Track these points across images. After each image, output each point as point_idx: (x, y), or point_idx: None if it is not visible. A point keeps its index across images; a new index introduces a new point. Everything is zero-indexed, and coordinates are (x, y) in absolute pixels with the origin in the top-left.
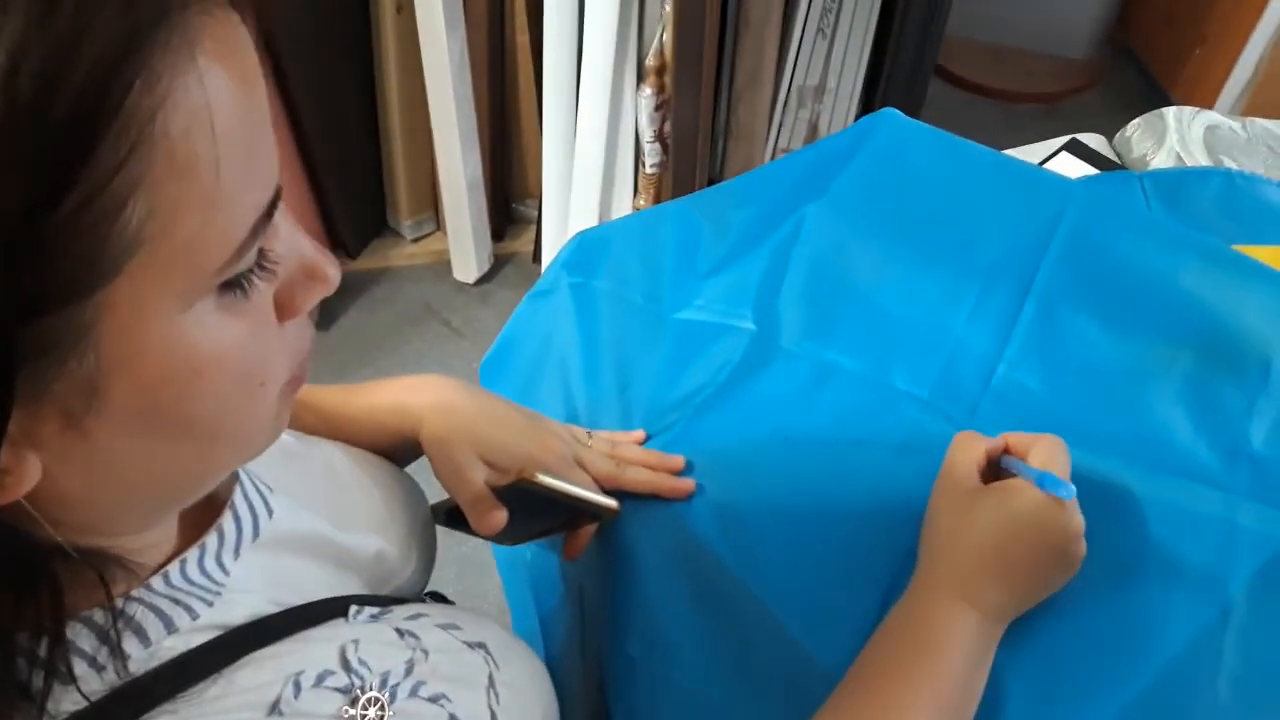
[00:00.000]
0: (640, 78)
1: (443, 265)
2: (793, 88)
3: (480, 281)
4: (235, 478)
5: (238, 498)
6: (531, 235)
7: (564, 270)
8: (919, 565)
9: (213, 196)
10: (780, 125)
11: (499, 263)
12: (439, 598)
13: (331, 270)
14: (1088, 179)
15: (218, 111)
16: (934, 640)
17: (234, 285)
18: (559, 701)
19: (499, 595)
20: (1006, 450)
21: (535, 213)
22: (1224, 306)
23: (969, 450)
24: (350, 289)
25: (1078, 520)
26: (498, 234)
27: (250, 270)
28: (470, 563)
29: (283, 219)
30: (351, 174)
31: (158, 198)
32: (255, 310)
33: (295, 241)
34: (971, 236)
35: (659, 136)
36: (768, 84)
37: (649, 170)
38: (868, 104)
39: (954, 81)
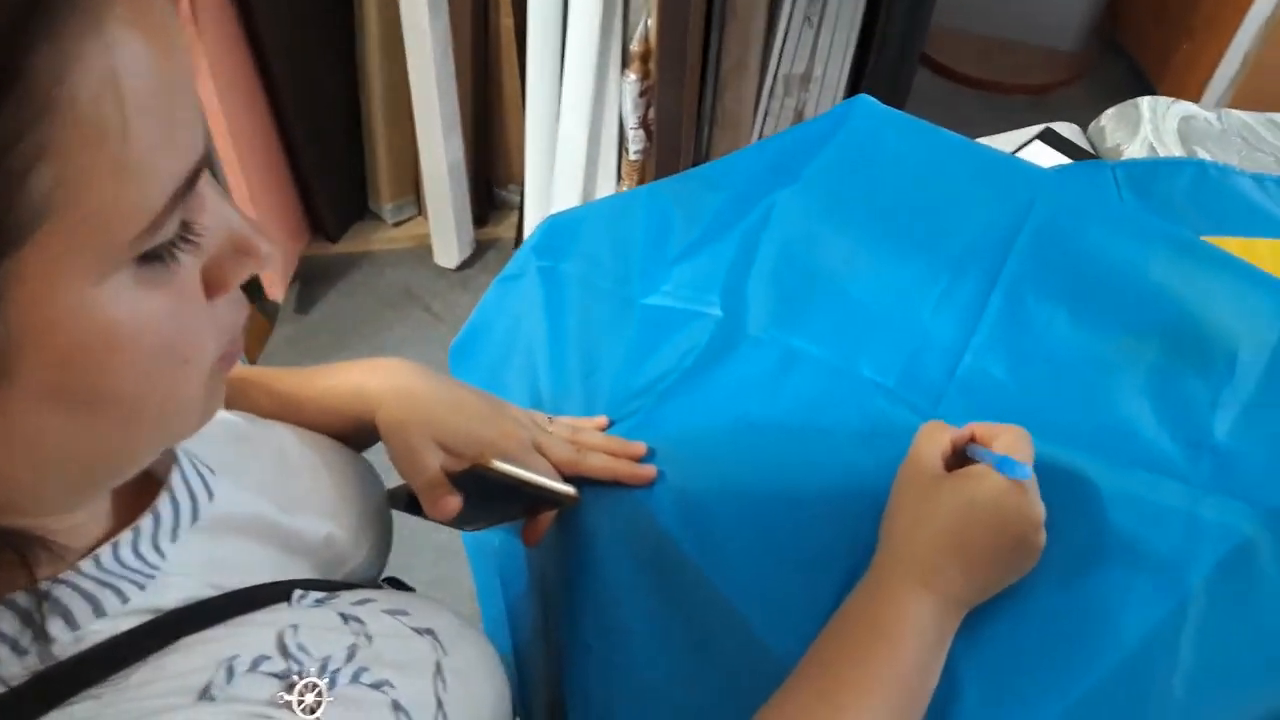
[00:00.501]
0: (625, 63)
1: (424, 250)
2: (779, 76)
3: (462, 267)
4: (174, 458)
5: (175, 480)
6: (514, 221)
7: (533, 254)
8: (879, 550)
9: (125, 165)
10: (766, 113)
11: (481, 248)
12: (397, 584)
13: (263, 245)
14: (1060, 168)
15: (130, 78)
16: (891, 626)
17: (154, 258)
18: (523, 689)
19: (472, 582)
20: (972, 439)
21: (518, 198)
22: (1191, 298)
23: (935, 439)
24: (330, 273)
25: (1038, 509)
26: (480, 219)
27: (172, 243)
28: (445, 550)
29: (211, 190)
30: (332, 157)
31: (66, 166)
32: (178, 284)
33: (224, 215)
34: (941, 225)
35: (643, 123)
36: (753, 72)
37: (632, 157)
38: (853, 93)
39: (941, 72)
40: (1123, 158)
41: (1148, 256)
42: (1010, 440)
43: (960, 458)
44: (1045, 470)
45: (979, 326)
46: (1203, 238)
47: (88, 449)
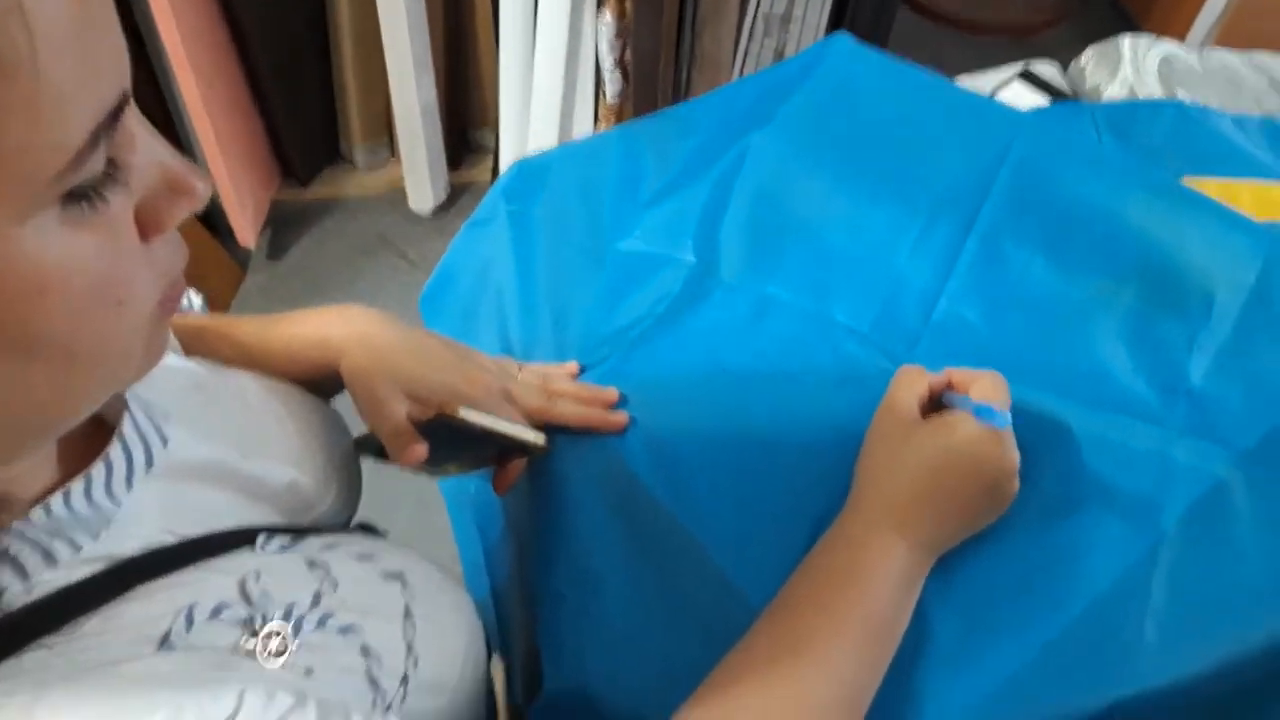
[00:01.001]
0: (600, 2)
1: (397, 195)
2: (759, 15)
3: (437, 212)
4: (124, 405)
5: (127, 426)
6: (489, 164)
7: (503, 198)
8: (851, 495)
9: (37, 101)
10: (746, 54)
11: (455, 193)
12: (369, 529)
13: (198, 183)
14: (1038, 111)
15: (39, 11)
16: (862, 571)
17: (80, 196)
18: (501, 634)
19: (450, 530)
20: (950, 386)
21: (492, 141)
22: (1169, 241)
23: (912, 384)
24: (301, 219)
25: (1013, 456)
26: (454, 162)
27: (98, 181)
28: (425, 497)
29: (140, 127)
30: (302, 99)
31: None
32: (108, 224)
33: (155, 152)
34: (917, 168)
35: (620, 64)
36: (733, 11)
37: (610, 100)
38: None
39: (922, 11)
40: (1102, 99)
41: (1125, 200)
42: (987, 387)
43: (937, 404)
44: (1020, 414)
45: (954, 271)
46: (1182, 180)
47: (25, 397)
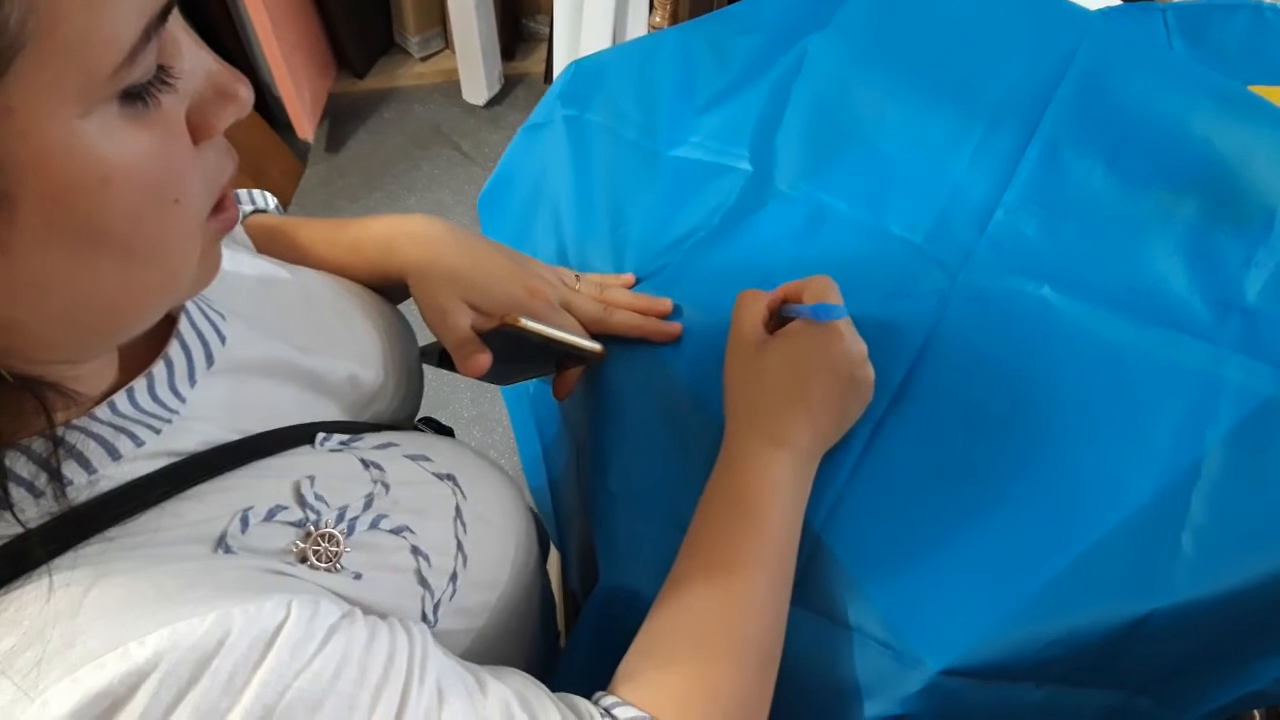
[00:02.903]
0: None
1: (452, 86)
2: None
3: (491, 104)
4: (181, 306)
5: (184, 325)
6: (543, 55)
7: (559, 102)
8: (726, 426)
9: None
10: None
11: (509, 84)
12: (435, 425)
13: (242, 89)
14: (1107, 10)
15: None
16: (753, 495)
17: (136, 96)
18: (558, 525)
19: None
20: (784, 300)
21: (546, 30)
22: (1233, 153)
23: (752, 307)
24: (358, 111)
25: (860, 346)
26: (508, 52)
27: (150, 83)
28: (484, 388)
29: (186, 35)
30: None
31: None
32: (162, 124)
33: (200, 59)
34: (980, 73)
35: None
36: None
37: None
38: None
39: None
40: None
41: (1191, 109)
42: (818, 288)
43: (778, 320)
44: (1070, 328)
45: (1013, 181)
46: (1254, 88)
47: (90, 292)
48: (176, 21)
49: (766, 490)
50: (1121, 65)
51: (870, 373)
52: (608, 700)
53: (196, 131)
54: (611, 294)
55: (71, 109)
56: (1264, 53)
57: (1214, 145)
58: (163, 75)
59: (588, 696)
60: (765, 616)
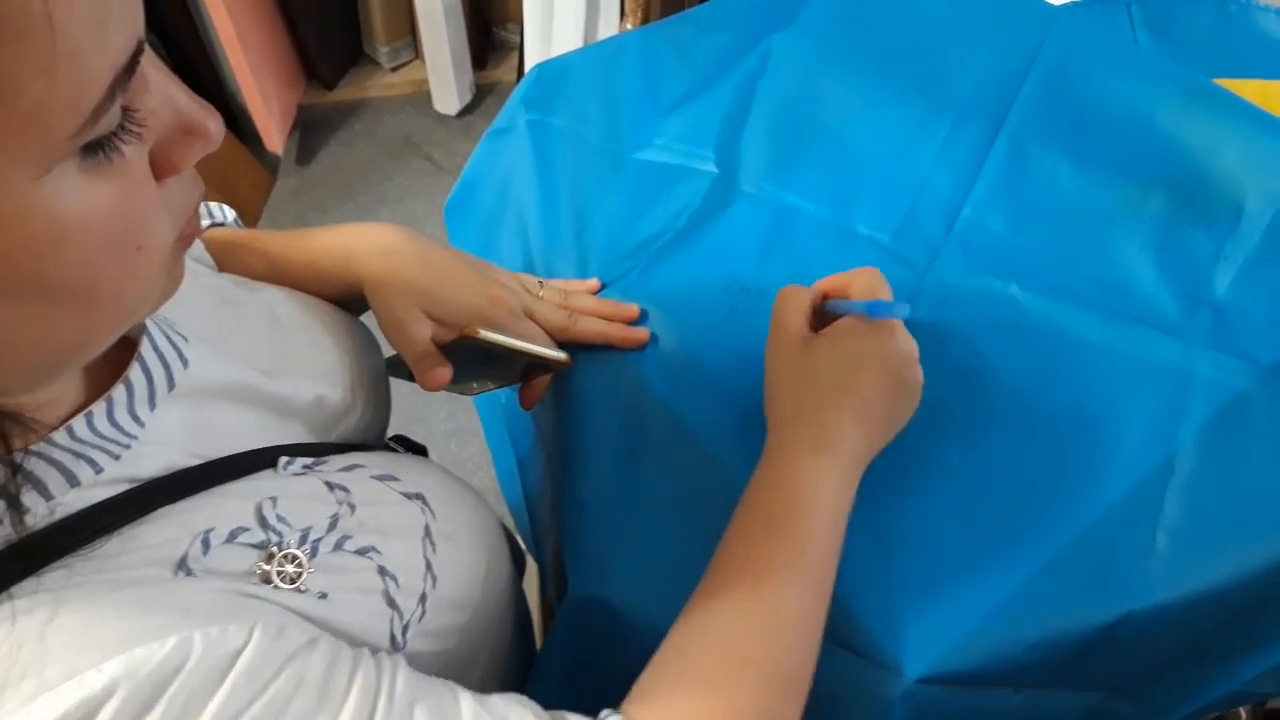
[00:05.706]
0: None
1: (423, 96)
2: None
3: (462, 113)
4: (143, 327)
5: (145, 349)
6: (514, 63)
7: (522, 106)
8: (770, 429)
9: (54, 58)
10: None
11: (481, 93)
12: (407, 443)
13: (211, 124)
14: (1072, 5)
15: None
16: (795, 503)
17: (97, 148)
18: (535, 538)
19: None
20: (826, 295)
21: (517, 38)
22: (1200, 146)
23: (794, 303)
24: (328, 122)
25: (910, 345)
26: (479, 61)
27: (114, 132)
28: (460, 402)
29: (154, 72)
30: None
31: None
32: (124, 172)
33: (168, 95)
34: (944, 70)
35: None
36: None
37: None
38: None
39: None
40: None
41: (1157, 103)
42: (867, 282)
43: (822, 316)
44: (1040, 325)
45: (980, 177)
46: (1220, 81)
47: (47, 337)
48: (142, 57)
49: (807, 501)
50: (1087, 59)
51: (920, 375)
52: None
53: (161, 170)
54: (576, 300)
55: (28, 172)
56: (1229, 45)
57: (1181, 139)
58: (127, 121)
59: (564, 710)
60: (798, 638)
